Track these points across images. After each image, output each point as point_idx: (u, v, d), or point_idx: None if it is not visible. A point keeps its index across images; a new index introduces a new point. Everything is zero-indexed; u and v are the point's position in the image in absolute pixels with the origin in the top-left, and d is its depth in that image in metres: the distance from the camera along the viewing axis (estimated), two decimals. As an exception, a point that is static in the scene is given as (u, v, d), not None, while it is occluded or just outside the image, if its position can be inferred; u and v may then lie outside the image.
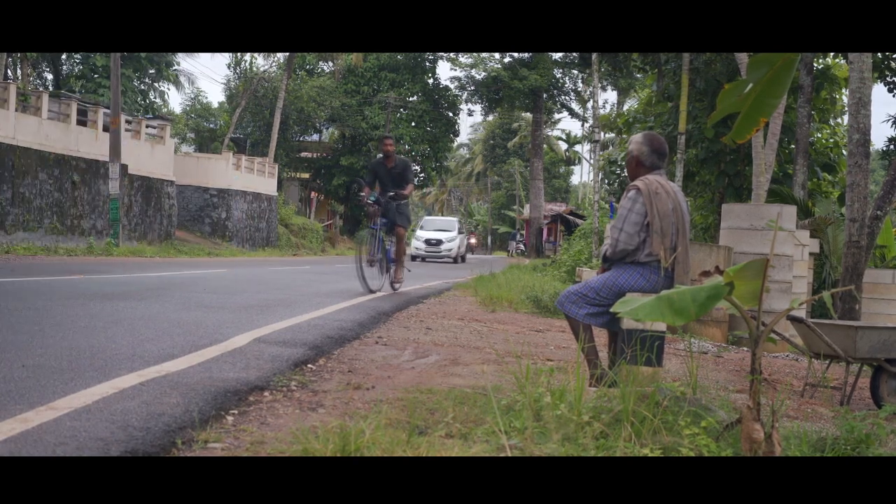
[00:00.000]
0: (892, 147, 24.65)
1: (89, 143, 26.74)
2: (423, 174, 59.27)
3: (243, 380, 4.93)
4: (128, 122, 29.54)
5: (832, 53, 23.20)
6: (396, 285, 13.29)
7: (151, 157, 31.06)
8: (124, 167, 27.58)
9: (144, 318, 7.54)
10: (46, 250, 22.36)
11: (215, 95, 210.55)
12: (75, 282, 11.60)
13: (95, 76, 42.88)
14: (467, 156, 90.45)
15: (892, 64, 23.38)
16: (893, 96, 25.81)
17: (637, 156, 5.68)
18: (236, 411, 4.25)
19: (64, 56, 44.03)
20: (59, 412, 3.78)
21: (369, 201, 12.51)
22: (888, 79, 23.77)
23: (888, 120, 25.19)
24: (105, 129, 27.03)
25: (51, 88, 40.87)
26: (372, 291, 12.15)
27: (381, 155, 13.11)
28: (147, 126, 31.32)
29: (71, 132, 25.84)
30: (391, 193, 12.56)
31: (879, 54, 22.11)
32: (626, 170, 6.11)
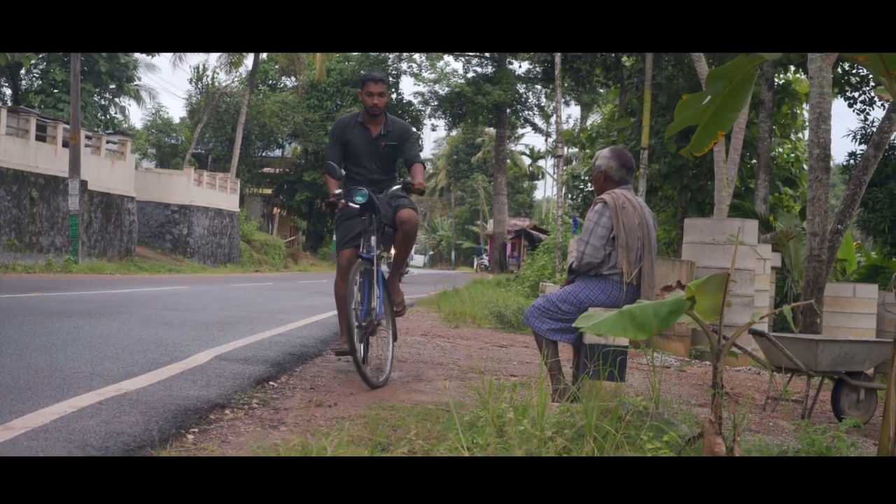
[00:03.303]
0: (852, 161, 24.97)
1: (48, 159, 26.48)
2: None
3: (204, 398, 4.88)
4: (88, 137, 29.30)
5: (792, 69, 23.47)
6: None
7: (112, 172, 30.81)
8: (84, 183, 27.30)
9: (104, 336, 7.45)
10: (4, 267, 22.06)
11: (176, 111, 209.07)
12: (33, 299, 11.45)
13: (55, 91, 42.59)
14: (431, 171, 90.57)
15: (852, 79, 23.70)
16: (853, 111, 26.16)
17: (605, 170, 5.71)
18: (197, 429, 4.20)
19: (23, 71, 43.66)
20: (16, 432, 3.72)
21: (354, 202, 6.10)
22: (847, 94, 24.09)
23: (848, 135, 25.53)
24: (64, 144, 26.79)
25: (9, 103, 40.46)
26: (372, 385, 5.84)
27: (354, 112, 6.91)
28: (107, 141, 31.10)
29: (30, 148, 25.57)
30: (397, 187, 6.38)
31: (839, 69, 22.38)
32: (593, 184, 6.12)
